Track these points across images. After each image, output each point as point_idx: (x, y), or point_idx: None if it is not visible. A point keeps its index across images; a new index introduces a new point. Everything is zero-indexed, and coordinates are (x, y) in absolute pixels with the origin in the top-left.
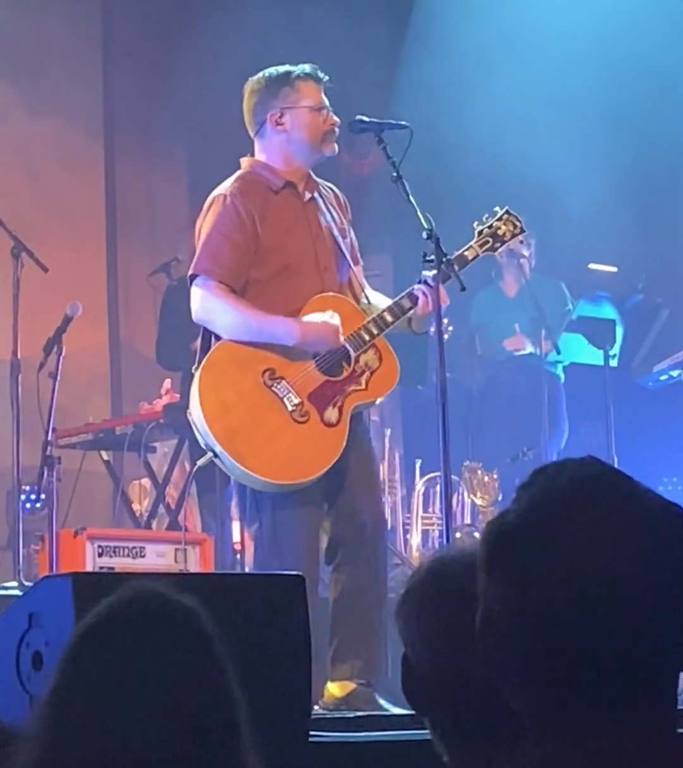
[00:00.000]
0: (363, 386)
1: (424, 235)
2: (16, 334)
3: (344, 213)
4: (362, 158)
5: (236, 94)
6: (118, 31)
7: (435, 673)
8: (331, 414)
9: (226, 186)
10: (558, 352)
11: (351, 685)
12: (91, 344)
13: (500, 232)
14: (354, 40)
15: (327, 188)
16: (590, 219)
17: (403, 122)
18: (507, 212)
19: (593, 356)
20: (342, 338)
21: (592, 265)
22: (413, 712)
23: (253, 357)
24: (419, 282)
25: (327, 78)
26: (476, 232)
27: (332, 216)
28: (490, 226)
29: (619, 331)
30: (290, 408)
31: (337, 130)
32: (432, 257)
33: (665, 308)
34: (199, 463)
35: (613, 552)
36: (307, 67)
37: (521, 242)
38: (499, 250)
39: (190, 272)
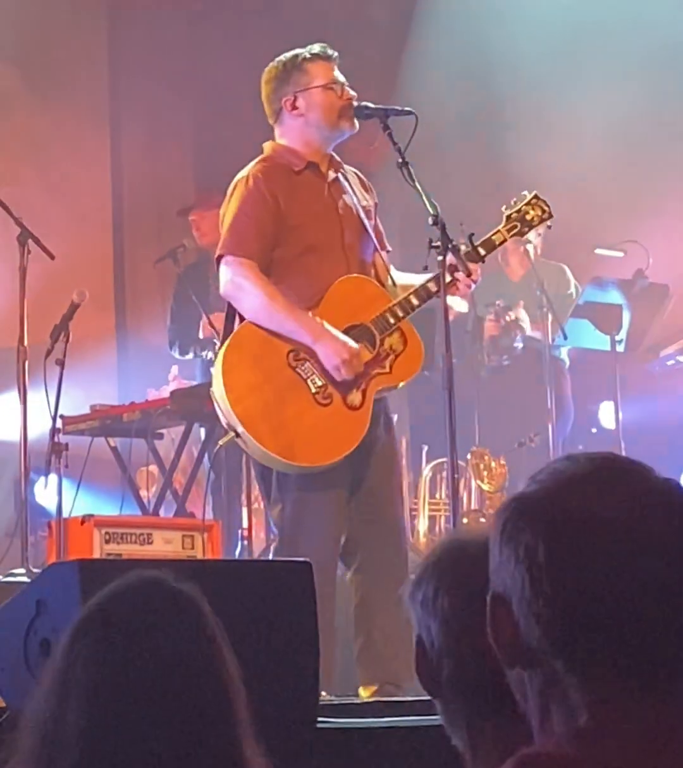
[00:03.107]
0: (387, 369)
1: (430, 220)
2: (23, 322)
3: (370, 196)
4: (367, 144)
5: (242, 78)
6: (123, 18)
7: (450, 655)
8: (355, 397)
9: (248, 169)
10: (566, 338)
11: (373, 688)
12: (97, 331)
13: (528, 217)
14: (359, 24)
15: (353, 173)
16: (597, 203)
17: (408, 108)
18: (535, 197)
19: (600, 341)
20: (352, 371)
21: (599, 250)
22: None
23: (278, 337)
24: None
25: (336, 54)
26: (504, 217)
27: (357, 197)
28: (519, 211)
29: (626, 316)
30: (314, 390)
31: (355, 103)
32: (438, 243)
33: (672, 293)
34: (221, 442)
35: (628, 524)
36: (315, 47)
37: (549, 227)
38: (527, 234)
39: (217, 253)
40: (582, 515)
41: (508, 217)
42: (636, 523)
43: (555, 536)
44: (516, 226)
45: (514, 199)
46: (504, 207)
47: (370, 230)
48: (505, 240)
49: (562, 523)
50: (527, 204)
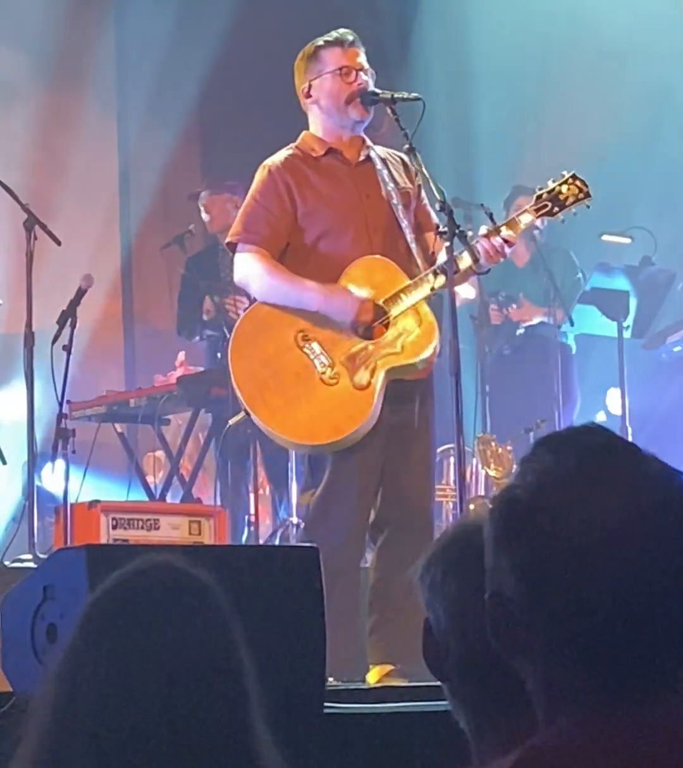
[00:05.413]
0: (398, 349)
1: (437, 206)
2: (30, 307)
3: (413, 180)
4: (375, 130)
5: (250, 64)
6: (131, 3)
7: (457, 639)
8: (362, 376)
9: (273, 157)
10: (572, 324)
11: (387, 668)
12: (104, 316)
13: (562, 196)
14: (366, 10)
15: (396, 157)
16: (604, 189)
17: (415, 94)
18: (573, 176)
19: (606, 328)
20: (369, 315)
21: (606, 237)
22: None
23: (286, 318)
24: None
25: (352, 39)
26: (534, 197)
27: (395, 181)
28: (551, 191)
29: (633, 302)
30: (321, 370)
31: (368, 88)
32: (445, 229)
33: (679, 279)
34: (231, 421)
35: (620, 523)
36: (332, 34)
37: (588, 207)
38: (558, 214)
39: (226, 239)
40: (570, 521)
41: (539, 196)
42: (624, 523)
43: (545, 544)
44: (546, 206)
45: (551, 179)
46: (538, 188)
47: (401, 215)
48: (533, 220)
49: (551, 531)
50: (562, 183)
